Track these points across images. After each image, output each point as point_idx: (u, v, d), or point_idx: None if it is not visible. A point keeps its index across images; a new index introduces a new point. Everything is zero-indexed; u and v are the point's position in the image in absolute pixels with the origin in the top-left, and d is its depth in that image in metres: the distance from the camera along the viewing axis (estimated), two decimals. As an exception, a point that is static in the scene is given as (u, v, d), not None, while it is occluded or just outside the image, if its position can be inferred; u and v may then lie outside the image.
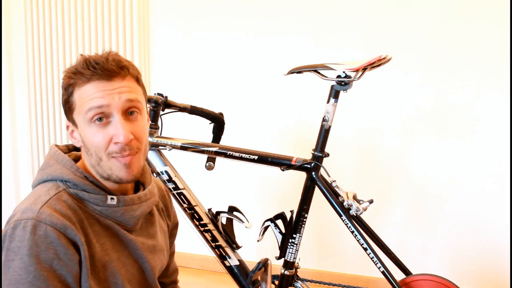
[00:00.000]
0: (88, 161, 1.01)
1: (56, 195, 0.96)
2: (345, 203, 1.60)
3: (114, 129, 0.96)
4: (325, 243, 2.46)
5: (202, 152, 1.71)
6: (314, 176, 1.63)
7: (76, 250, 0.94)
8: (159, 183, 1.27)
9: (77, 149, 1.11)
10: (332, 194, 1.62)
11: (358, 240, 1.60)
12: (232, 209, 1.74)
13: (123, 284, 1.03)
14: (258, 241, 1.71)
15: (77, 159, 1.07)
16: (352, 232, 1.59)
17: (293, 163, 1.64)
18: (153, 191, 1.12)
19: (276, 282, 1.74)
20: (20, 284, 0.88)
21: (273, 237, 2.41)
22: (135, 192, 1.11)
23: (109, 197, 1.00)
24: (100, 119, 0.96)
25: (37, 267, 0.89)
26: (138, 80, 1.02)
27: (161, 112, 1.73)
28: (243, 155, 1.67)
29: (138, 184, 1.14)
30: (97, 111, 0.95)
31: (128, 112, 0.99)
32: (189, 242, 2.36)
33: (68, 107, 1.00)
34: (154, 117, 1.71)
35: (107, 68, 0.95)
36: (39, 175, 1.03)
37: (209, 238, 1.72)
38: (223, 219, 1.73)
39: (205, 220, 1.71)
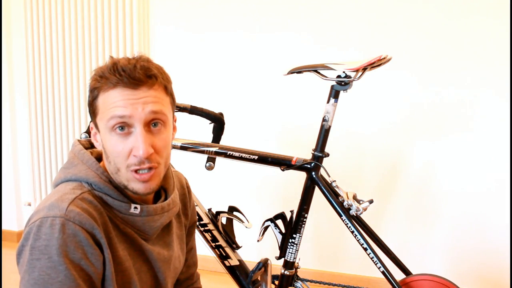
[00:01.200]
0: (107, 167, 0.99)
1: (82, 194, 0.93)
2: (345, 203, 1.60)
3: (134, 141, 0.93)
4: (325, 243, 2.46)
5: (202, 152, 1.71)
6: (314, 176, 1.63)
7: (101, 251, 0.93)
8: (181, 178, 1.23)
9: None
10: (332, 194, 1.62)
11: (358, 240, 1.59)
12: (232, 209, 1.74)
13: None
14: (258, 241, 1.71)
15: (98, 157, 1.05)
16: (352, 232, 1.59)
17: (293, 163, 1.64)
18: (175, 200, 1.09)
19: (276, 282, 1.74)
20: (49, 285, 0.86)
21: (273, 237, 2.41)
22: (156, 197, 1.08)
23: (132, 205, 0.98)
24: (121, 128, 0.93)
25: (67, 266, 0.87)
26: (166, 88, 0.98)
27: (161, 112, 1.72)
28: (243, 155, 1.67)
29: (160, 189, 1.10)
30: (118, 121, 0.92)
31: (152, 124, 0.95)
32: (189, 242, 2.36)
33: (92, 110, 0.97)
34: (154, 117, 1.70)
35: (133, 76, 0.92)
36: (62, 174, 1.00)
37: (209, 238, 1.72)
38: (223, 219, 1.73)
39: (205, 220, 1.71)
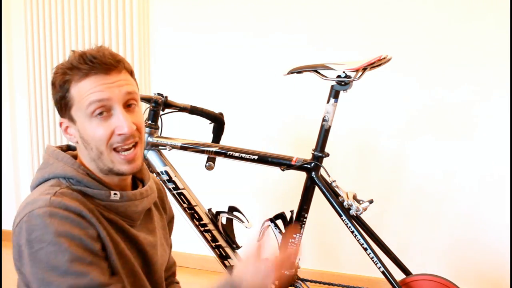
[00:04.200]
0: (87, 157, 1.01)
1: (61, 190, 0.96)
2: (345, 203, 1.60)
3: (117, 121, 0.97)
4: (325, 243, 2.46)
5: (202, 152, 1.71)
6: (314, 176, 1.63)
7: (94, 229, 0.95)
8: (154, 178, 1.27)
9: (71, 149, 1.11)
10: (332, 194, 1.62)
11: (358, 240, 1.60)
12: (232, 209, 1.74)
13: (136, 273, 1.04)
14: (258, 241, 1.71)
15: (73, 156, 1.07)
16: (352, 232, 1.59)
17: (293, 163, 1.64)
18: (152, 187, 1.14)
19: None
20: (60, 266, 0.89)
21: (273, 237, 2.41)
22: (133, 188, 1.12)
23: (112, 192, 1.01)
24: (101, 113, 0.96)
25: (69, 245, 0.89)
26: (132, 73, 1.04)
27: (161, 112, 1.73)
28: (243, 155, 1.67)
29: (136, 181, 1.14)
30: (98, 105, 0.95)
31: (127, 105, 1.00)
32: (189, 242, 2.36)
33: (65, 104, 0.99)
34: (154, 117, 1.71)
35: (105, 62, 0.96)
36: (39, 175, 1.02)
37: (209, 238, 1.72)
38: (223, 219, 1.73)
39: (205, 220, 1.71)
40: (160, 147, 1.72)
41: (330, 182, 1.64)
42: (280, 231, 1.68)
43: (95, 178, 1.01)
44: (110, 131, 0.97)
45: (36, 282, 0.90)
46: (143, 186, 1.12)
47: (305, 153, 1.76)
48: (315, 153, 1.64)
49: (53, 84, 1.00)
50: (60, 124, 1.04)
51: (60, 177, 0.99)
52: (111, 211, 1.02)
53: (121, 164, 0.99)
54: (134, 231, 1.06)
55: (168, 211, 1.28)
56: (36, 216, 0.90)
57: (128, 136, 0.98)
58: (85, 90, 0.96)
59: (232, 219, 1.74)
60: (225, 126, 1.81)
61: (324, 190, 1.62)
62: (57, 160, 1.02)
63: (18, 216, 0.93)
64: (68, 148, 1.12)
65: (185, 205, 1.71)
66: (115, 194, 1.01)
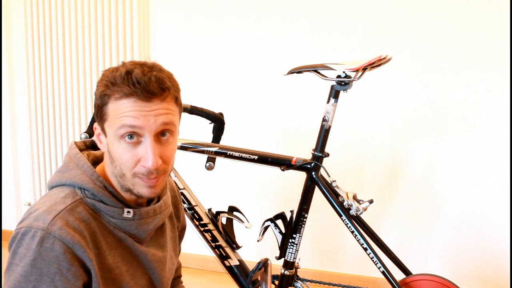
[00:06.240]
0: (110, 170, 0.99)
1: (71, 205, 0.94)
2: (345, 203, 1.60)
3: (143, 152, 0.93)
4: (325, 243, 2.46)
5: (202, 152, 1.71)
6: (314, 176, 1.63)
7: (82, 267, 0.93)
8: (171, 181, 1.25)
9: (95, 146, 1.09)
10: (332, 194, 1.62)
11: (358, 240, 1.60)
12: (232, 209, 1.74)
13: None
14: (258, 241, 1.71)
15: (95, 160, 1.05)
16: (352, 232, 1.59)
17: (293, 163, 1.64)
18: (167, 202, 1.11)
19: (276, 282, 1.74)
20: None
21: (273, 237, 2.41)
22: (149, 200, 1.09)
23: (125, 210, 0.99)
24: (131, 136, 0.92)
25: (37, 278, 0.89)
26: (177, 99, 0.98)
27: (161, 112, 1.72)
28: (243, 155, 1.67)
29: None
30: (128, 130, 0.91)
31: (161, 134, 0.95)
32: (189, 242, 2.36)
33: (101, 116, 0.96)
34: (154, 117, 1.70)
35: (148, 89, 0.91)
36: (57, 177, 1.00)
37: (209, 238, 1.72)
38: (223, 219, 1.73)
39: (205, 220, 1.71)
40: (160, 147, 1.72)
41: (330, 182, 1.64)
42: (280, 231, 1.68)
43: (112, 192, 0.99)
44: (136, 159, 0.93)
45: None
46: (158, 200, 1.09)
47: (305, 153, 1.76)
48: (315, 153, 1.64)
49: (96, 88, 0.96)
50: (94, 128, 1.01)
51: (76, 186, 0.97)
52: (122, 229, 1.00)
53: (141, 187, 0.96)
54: (143, 248, 1.04)
55: (182, 220, 1.26)
56: (30, 235, 0.89)
57: (152, 171, 0.94)
58: (121, 111, 0.91)
59: (232, 219, 1.74)
60: (225, 126, 1.81)
61: (324, 190, 1.62)
62: (77, 166, 0.99)
63: (23, 222, 0.93)
64: (91, 145, 1.10)
65: (185, 205, 1.71)
66: (128, 212, 0.99)
